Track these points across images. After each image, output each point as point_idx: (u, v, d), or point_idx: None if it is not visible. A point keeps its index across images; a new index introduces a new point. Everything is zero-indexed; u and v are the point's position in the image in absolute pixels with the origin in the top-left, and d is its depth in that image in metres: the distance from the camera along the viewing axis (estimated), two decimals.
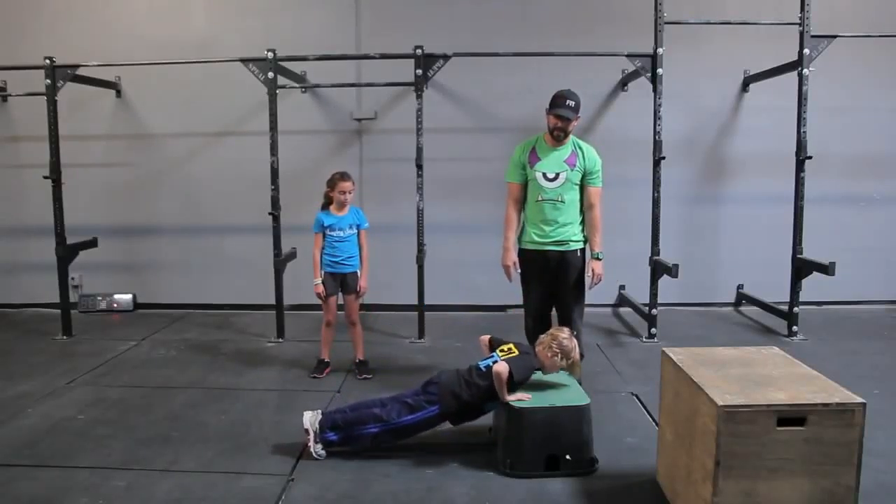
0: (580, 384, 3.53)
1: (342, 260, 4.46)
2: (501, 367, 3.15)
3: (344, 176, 4.43)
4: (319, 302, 4.55)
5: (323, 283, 4.47)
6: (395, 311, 6.22)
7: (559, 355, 3.27)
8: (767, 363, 2.73)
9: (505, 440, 3.13)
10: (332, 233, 4.44)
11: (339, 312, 4.63)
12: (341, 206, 4.45)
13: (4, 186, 6.48)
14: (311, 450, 3.22)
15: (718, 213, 6.35)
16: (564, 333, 3.35)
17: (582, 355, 4.09)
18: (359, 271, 4.53)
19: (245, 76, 5.33)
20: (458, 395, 3.22)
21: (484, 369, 3.25)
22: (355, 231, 4.49)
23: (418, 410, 3.23)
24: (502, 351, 3.32)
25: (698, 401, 2.47)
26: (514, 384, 3.18)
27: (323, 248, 4.47)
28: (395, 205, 6.15)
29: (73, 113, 6.04)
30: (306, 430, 3.24)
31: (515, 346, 3.34)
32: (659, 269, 5.17)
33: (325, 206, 4.49)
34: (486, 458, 3.22)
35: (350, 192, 4.43)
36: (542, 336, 3.41)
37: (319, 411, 3.31)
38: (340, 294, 4.56)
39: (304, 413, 3.29)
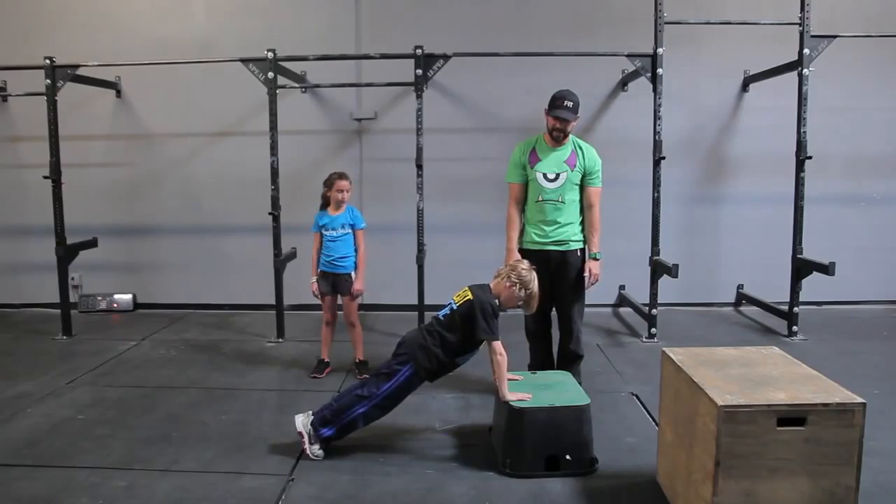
0: (580, 384, 3.53)
1: (335, 260, 4.46)
2: (500, 359, 3.16)
3: (341, 175, 4.45)
4: (321, 302, 4.56)
5: (318, 282, 4.48)
6: (395, 311, 6.22)
7: (517, 285, 3.27)
8: (767, 363, 2.73)
9: (505, 440, 3.13)
10: (326, 232, 4.45)
11: (340, 312, 4.63)
12: (338, 205, 4.46)
13: (4, 186, 6.48)
14: (308, 452, 3.23)
15: (718, 213, 6.35)
16: (524, 265, 3.36)
17: (581, 355, 4.12)
18: (353, 273, 4.51)
19: (245, 76, 5.33)
20: (427, 348, 3.22)
21: (443, 318, 3.28)
22: (349, 231, 4.48)
23: (394, 375, 3.23)
24: (458, 296, 3.30)
25: (698, 401, 2.47)
26: (494, 324, 3.20)
27: (319, 248, 4.49)
28: (395, 205, 6.15)
29: (73, 113, 6.03)
30: (300, 434, 3.24)
31: (469, 289, 3.30)
32: (659, 269, 5.17)
33: (324, 207, 4.51)
34: (486, 458, 3.23)
35: (346, 192, 4.44)
36: (499, 268, 3.42)
37: (310, 412, 3.31)
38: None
39: (296, 417, 3.29)
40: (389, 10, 6.22)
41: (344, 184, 4.42)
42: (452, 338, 3.23)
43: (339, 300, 4.58)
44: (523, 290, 3.28)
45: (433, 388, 3.77)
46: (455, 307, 3.27)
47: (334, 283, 4.49)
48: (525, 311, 3.51)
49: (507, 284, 3.28)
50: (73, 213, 5.66)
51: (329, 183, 4.45)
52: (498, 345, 3.21)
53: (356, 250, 4.51)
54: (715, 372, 2.61)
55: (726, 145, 6.31)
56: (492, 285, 3.33)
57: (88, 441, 3.46)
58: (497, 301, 3.27)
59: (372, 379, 3.31)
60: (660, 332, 5.34)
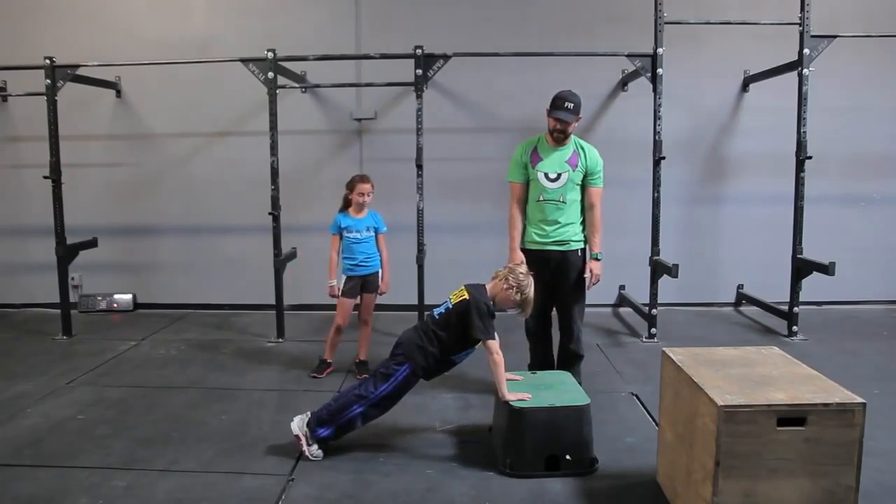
0: (580, 384, 3.53)
1: (362, 261, 4.47)
2: (497, 359, 3.17)
3: (364, 178, 4.47)
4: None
5: (346, 288, 4.46)
6: (395, 311, 6.21)
7: (514, 289, 3.27)
8: (767, 363, 2.73)
9: (505, 440, 3.13)
10: (348, 234, 4.45)
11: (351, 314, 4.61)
12: (360, 208, 4.46)
13: (4, 186, 6.48)
14: (307, 453, 3.22)
15: (718, 213, 6.35)
16: (522, 269, 3.37)
17: (582, 355, 4.12)
18: (380, 272, 4.54)
19: (245, 76, 5.33)
20: (423, 347, 3.24)
21: (437, 317, 3.28)
22: (372, 234, 4.50)
23: (392, 376, 3.24)
24: (454, 295, 3.31)
25: (698, 401, 2.47)
26: (489, 324, 3.20)
27: (340, 251, 4.48)
28: (395, 205, 6.12)
29: (73, 113, 6.03)
30: (297, 437, 3.24)
31: (466, 289, 3.30)
32: (659, 269, 5.16)
33: (344, 209, 4.50)
34: (486, 458, 3.23)
35: (369, 195, 4.45)
36: (497, 269, 3.43)
37: (306, 414, 3.30)
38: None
39: (293, 420, 3.29)
40: (389, 10, 6.22)
41: (366, 187, 4.43)
42: (448, 337, 3.24)
43: (357, 300, 4.56)
44: (519, 294, 3.28)
45: (433, 388, 3.78)
46: (451, 306, 3.28)
47: (364, 282, 4.49)
48: (519, 314, 3.51)
49: (504, 287, 3.28)
50: (73, 213, 5.66)
51: (351, 185, 4.45)
52: (494, 344, 3.20)
53: (379, 253, 4.54)
54: (715, 372, 2.61)
55: (726, 145, 6.31)
56: (488, 286, 3.33)
57: (88, 441, 3.46)
58: (492, 302, 3.27)
59: (370, 379, 3.32)
60: (660, 332, 5.34)
